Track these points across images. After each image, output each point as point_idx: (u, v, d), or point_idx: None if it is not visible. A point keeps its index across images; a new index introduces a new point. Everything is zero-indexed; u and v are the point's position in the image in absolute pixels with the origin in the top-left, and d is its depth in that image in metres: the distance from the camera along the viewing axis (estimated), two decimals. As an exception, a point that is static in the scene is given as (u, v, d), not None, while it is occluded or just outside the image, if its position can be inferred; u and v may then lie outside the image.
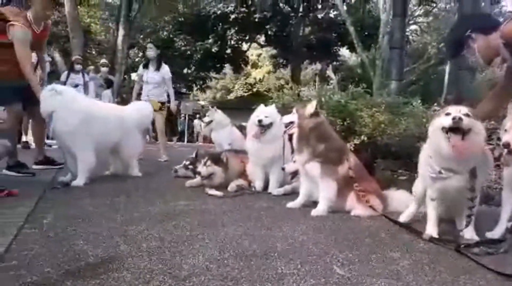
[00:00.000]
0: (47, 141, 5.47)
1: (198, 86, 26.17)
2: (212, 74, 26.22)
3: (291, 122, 3.30)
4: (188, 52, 22.72)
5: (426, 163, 2.38)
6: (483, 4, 6.75)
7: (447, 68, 21.26)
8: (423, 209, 2.61)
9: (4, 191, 3.07)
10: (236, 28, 22.31)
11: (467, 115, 2.18)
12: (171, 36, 22.97)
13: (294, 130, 3.23)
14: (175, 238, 2.17)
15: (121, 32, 16.11)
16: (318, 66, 27.67)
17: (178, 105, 12.67)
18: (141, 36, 22.78)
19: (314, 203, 3.05)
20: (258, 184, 3.89)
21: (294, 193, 3.50)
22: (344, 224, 2.68)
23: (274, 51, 26.29)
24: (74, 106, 3.82)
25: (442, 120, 2.23)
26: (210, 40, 22.29)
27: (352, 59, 28.39)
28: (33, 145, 5.91)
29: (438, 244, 2.22)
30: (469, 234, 2.34)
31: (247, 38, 24.53)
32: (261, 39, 25.20)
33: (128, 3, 16.36)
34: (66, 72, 8.65)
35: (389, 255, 2.02)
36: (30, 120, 5.42)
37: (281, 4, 21.04)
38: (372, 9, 21.07)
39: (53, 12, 6.29)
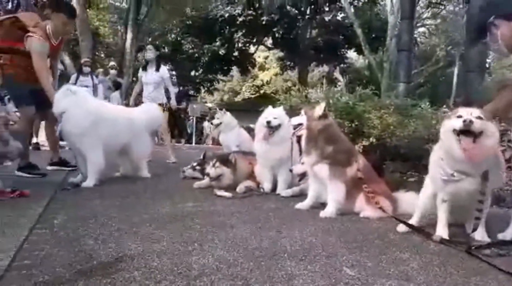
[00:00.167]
0: (62, 143, 5.53)
1: (206, 89, 26.28)
2: (220, 77, 26.30)
3: (300, 124, 3.30)
4: (196, 55, 22.86)
5: (437, 166, 2.35)
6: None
7: (456, 70, 21.20)
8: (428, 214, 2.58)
9: (16, 191, 3.11)
10: (244, 31, 22.38)
11: (479, 117, 2.15)
12: (179, 39, 23.12)
13: (303, 132, 3.23)
14: (184, 239, 2.18)
15: (129, 35, 16.24)
16: (325, 68, 27.65)
17: (186, 107, 12.71)
18: (149, 39, 22.87)
19: (323, 205, 3.05)
20: (266, 186, 3.90)
21: (302, 195, 3.50)
22: (353, 225, 2.67)
23: (281, 54, 26.32)
24: (85, 107, 3.86)
25: (453, 122, 2.21)
26: (218, 43, 22.41)
27: (360, 61, 28.33)
28: (44, 147, 5.97)
29: (449, 246, 2.21)
30: (480, 235, 2.32)
31: (254, 40, 24.58)
32: (269, 41, 25.25)
33: (137, 7, 16.50)
34: (75, 75, 8.74)
35: (399, 257, 2.01)
36: (43, 122, 5.48)
37: (288, 7, 21.04)
38: (380, 12, 21.04)
39: (73, 27, 6.43)
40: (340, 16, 22.69)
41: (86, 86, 8.00)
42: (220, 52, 22.49)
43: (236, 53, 24.18)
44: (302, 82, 18.53)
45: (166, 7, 20.22)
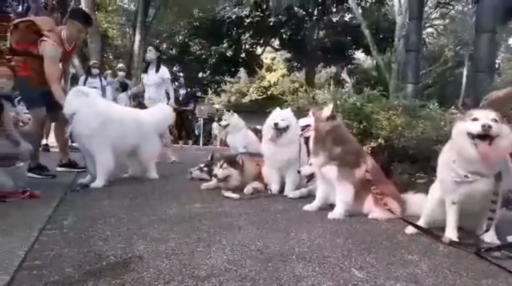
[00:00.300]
0: (73, 144, 5.59)
1: (213, 90, 26.39)
2: (227, 78, 26.40)
3: (308, 125, 3.29)
4: (203, 56, 22.97)
5: (448, 168, 2.33)
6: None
7: (465, 71, 21.05)
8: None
9: (26, 192, 3.15)
10: (251, 32, 22.44)
11: (494, 120, 2.13)
12: (186, 40, 23.26)
13: (311, 133, 3.23)
14: (192, 240, 2.19)
15: (137, 37, 16.38)
16: (332, 69, 27.61)
17: (193, 109, 12.74)
18: (157, 41, 23.05)
19: (331, 206, 3.04)
20: (274, 187, 3.90)
21: (310, 196, 3.50)
22: (362, 227, 2.66)
23: (288, 55, 26.35)
24: (94, 109, 3.89)
25: (469, 125, 2.18)
26: (225, 44, 22.49)
27: (367, 62, 28.26)
28: (53, 148, 6.02)
29: (458, 248, 2.19)
30: (490, 237, 2.30)
31: (261, 42, 24.65)
32: (276, 42, 25.30)
33: (145, 9, 16.64)
34: (83, 77, 8.80)
35: (407, 258, 2.00)
36: (53, 124, 5.54)
37: (295, 8, 21.05)
38: (388, 12, 20.96)
39: (87, 33, 6.53)
40: (347, 17, 22.69)
41: (95, 88, 8.06)
42: (227, 54, 22.58)
43: (243, 55, 24.26)
44: (309, 83, 18.52)
45: (174, 9, 20.33)
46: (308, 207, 3.16)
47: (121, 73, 10.48)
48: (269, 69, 33.02)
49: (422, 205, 2.87)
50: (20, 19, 4.61)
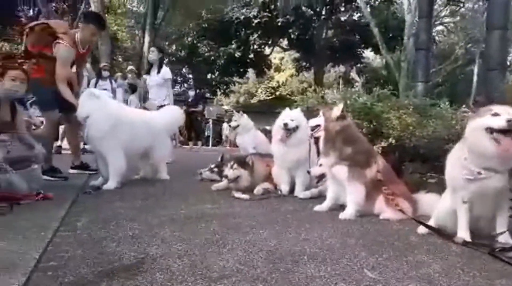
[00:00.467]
0: (86, 147, 5.64)
1: (222, 91, 26.45)
2: (236, 79, 26.46)
3: (318, 125, 3.29)
4: (212, 58, 23.06)
5: (459, 166, 2.29)
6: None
7: (476, 69, 20.81)
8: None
9: (40, 194, 3.19)
10: (259, 33, 22.47)
11: None
12: (195, 42, 23.37)
13: (321, 133, 3.22)
14: (204, 241, 2.20)
15: (147, 39, 16.50)
16: (341, 68, 27.50)
17: (203, 110, 12.79)
18: (166, 43, 23.21)
19: (342, 207, 3.04)
20: (284, 188, 3.89)
21: (321, 197, 3.49)
22: (373, 227, 2.65)
23: (297, 55, 26.32)
24: (106, 111, 3.93)
25: (489, 121, 2.14)
26: (233, 45, 22.54)
27: (377, 61, 28.09)
28: (65, 151, 6.08)
29: (471, 248, 2.17)
30: (504, 238, 2.27)
31: (270, 42, 24.66)
32: (284, 43, 25.29)
33: (154, 11, 16.77)
34: (94, 79, 8.89)
35: (420, 259, 1.99)
36: (65, 126, 5.60)
37: (303, 8, 21.02)
38: (397, 11, 20.82)
39: (100, 36, 6.65)
40: (356, 16, 22.60)
41: (105, 90, 8.14)
42: (236, 55, 22.63)
43: (251, 55, 24.29)
44: (318, 83, 18.49)
45: (182, 10, 20.43)
46: (319, 207, 3.16)
47: (130, 76, 10.57)
48: (278, 69, 33.00)
49: (434, 205, 2.84)
50: (35, 22, 4.67)
